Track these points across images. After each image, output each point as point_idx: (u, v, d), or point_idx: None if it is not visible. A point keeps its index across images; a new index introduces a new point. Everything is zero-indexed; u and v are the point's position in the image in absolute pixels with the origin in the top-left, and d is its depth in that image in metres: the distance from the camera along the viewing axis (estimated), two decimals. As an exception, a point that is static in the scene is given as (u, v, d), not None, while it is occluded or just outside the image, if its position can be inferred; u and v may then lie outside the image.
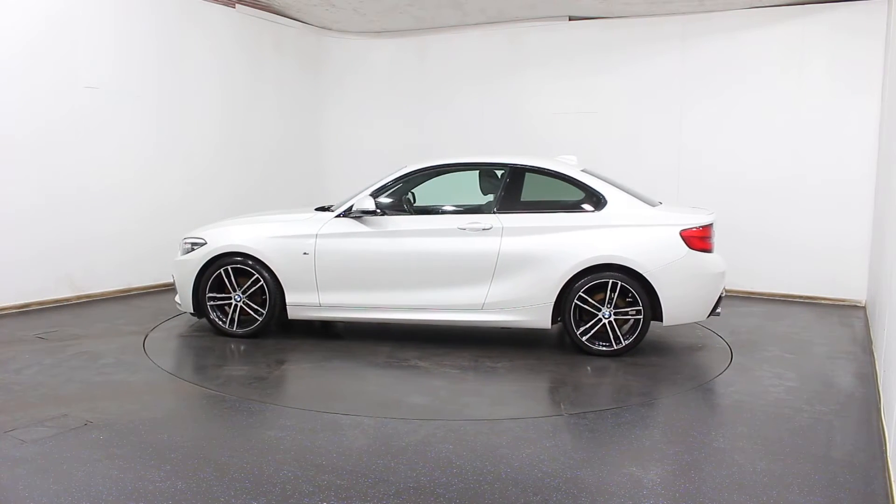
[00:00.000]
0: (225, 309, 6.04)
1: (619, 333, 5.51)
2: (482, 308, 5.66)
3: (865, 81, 7.62)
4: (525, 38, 9.31)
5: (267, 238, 5.93)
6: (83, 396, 4.48)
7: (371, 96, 10.35)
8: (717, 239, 5.78)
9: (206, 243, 6.04)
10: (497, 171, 6.03)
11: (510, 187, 5.86)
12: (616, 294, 5.46)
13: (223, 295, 6.02)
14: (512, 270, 5.59)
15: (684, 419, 4.32)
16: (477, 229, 5.66)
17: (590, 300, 5.50)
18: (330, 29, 10.25)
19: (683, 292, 5.48)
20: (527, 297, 5.58)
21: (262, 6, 9.24)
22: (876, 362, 5.43)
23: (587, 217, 5.64)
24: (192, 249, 6.09)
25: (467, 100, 9.72)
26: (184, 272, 6.05)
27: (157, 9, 7.95)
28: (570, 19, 9.00)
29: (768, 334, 6.46)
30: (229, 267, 5.96)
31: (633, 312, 5.48)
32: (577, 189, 5.77)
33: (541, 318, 5.60)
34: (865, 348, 5.99)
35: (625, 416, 4.31)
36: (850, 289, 7.84)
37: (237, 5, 8.94)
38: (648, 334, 5.82)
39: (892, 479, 3.34)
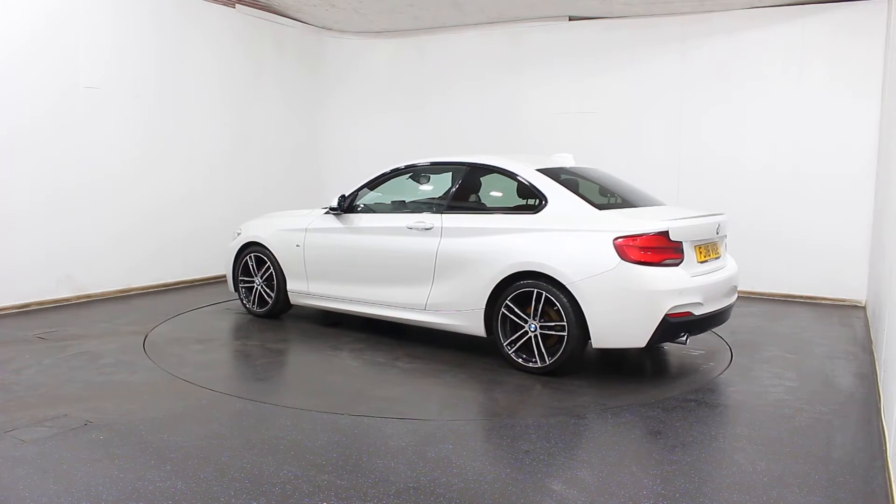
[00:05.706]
0: (252, 290, 6.86)
1: (542, 350, 4.95)
2: (425, 309, 5.58)
3: (865, 81, 7.62)
4: (525, 38, 9.31)
5: (274, 231, 6.63)
6: (83, 396, 4.49)
7: (371, 96, 10.36)
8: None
9: (241, 234, 6.93)
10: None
11: (461, 186, 5.76)
12: (542, 305, 4.92)
13: (249, 279, 6.84)
14: (448, 272, 5.42)
15: (684, 419, 4.31)
16: (420, 229, 5.62)
17: (518, 311, 5.04)
18: (330, 29, 10.25)
19: (612, 310, 4.73)
20: (460, 302, 5.35)
21: (262, 6, 9.24)
22: (876, 362, 5.43)
23: (522, 219, 5.21)
24: (236, 238, 6.99)
25: (467, 99, 9.72)
26: (228, 257, 6.99)
27: (156, 9, 7.95)
28: (570, 19, 9.00)
29: (768, 334, 6.46)
30: (252, 255, 6.78)
31: (557, 328, 4.90)
32: (525, 189, 5.43)
33: (474, 324, 5.30)
34: (865, 348, 5.99)
35: (625, 416, 4.31)
36: (850, 289, 7.84)
37: (237, 5, 8.94)
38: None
39: (892, 479, 3.34)
